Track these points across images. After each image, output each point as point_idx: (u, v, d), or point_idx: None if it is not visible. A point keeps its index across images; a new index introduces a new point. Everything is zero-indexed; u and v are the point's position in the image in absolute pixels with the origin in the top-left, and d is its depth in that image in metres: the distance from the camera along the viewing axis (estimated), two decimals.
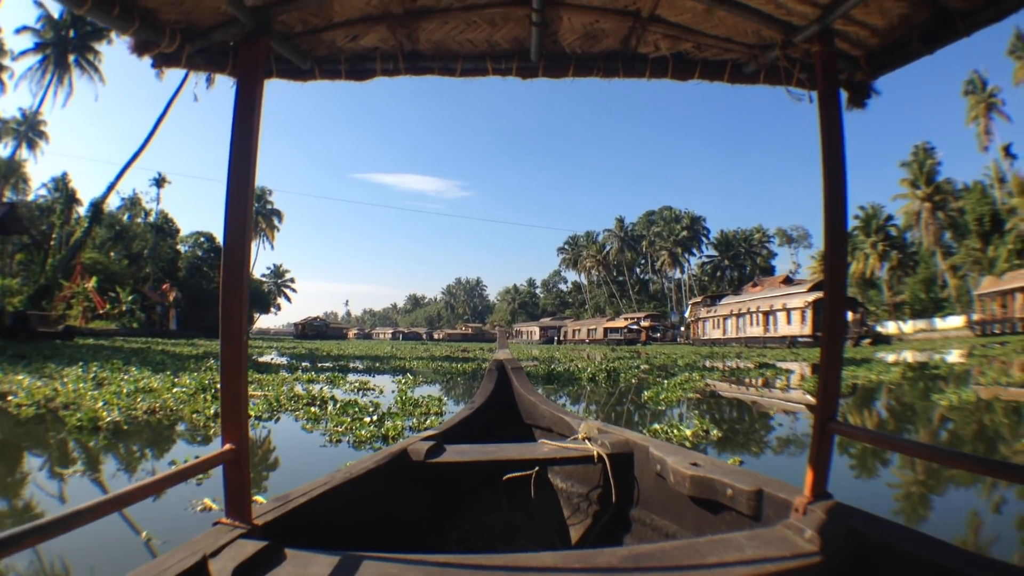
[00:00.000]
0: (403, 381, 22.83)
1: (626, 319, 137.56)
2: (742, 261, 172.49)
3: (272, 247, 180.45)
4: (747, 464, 6.21)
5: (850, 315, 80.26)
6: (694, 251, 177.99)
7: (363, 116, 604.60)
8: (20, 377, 19.21)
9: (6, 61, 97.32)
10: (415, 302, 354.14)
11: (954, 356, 45.03)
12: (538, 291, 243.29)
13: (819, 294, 75.38)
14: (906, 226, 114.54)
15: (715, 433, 11.36)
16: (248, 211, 3.12)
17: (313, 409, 13.88)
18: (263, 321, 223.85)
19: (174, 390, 16.54)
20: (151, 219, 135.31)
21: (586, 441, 5.10)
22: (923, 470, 9.46)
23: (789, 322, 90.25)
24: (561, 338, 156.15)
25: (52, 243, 78.93)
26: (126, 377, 20.23)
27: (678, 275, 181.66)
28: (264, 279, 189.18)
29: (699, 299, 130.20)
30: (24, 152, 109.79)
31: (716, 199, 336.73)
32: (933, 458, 3.25)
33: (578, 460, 4.98)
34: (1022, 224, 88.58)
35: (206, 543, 2.65)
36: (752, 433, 13.10)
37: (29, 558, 5.29)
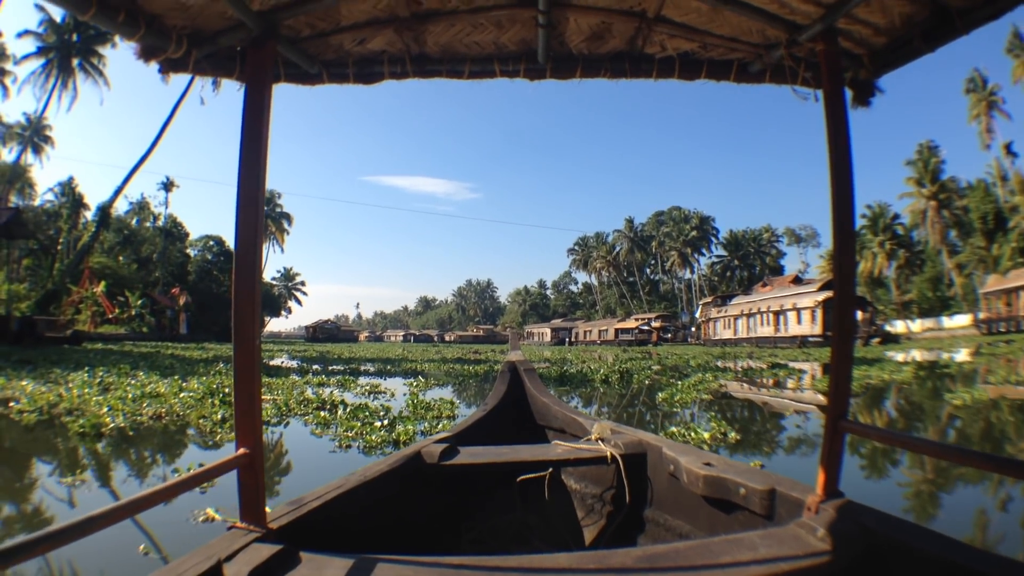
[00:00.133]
0: (414, 384, 22.68)
1: (637, 320, 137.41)
2: (751, 261, 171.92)
3: (282, 250, 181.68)
4: (768, 467, 6.19)
5: (859, 314, 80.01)
6: (704, 251, 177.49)
7: (372, 119, 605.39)
8: (24, 383, 19.08)
9: (8, 65, 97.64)
10: (426, 304, 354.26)
11: (962, 355, 45.10)
12: (549, 292, 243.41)
13: (829, 293, 75.59)
14: (912, 225, 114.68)
15: (732, 435, 11.26)
16: (259, 215, 3.14)
17: (323, 413, 13.70)
18: (274, 324, 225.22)
19: (181, 395, 16.35)
20: (160, 223, 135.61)
21: (599, 442, 5.10)
22: (932, 468, 9.49)
23: (799, 322, 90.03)
24: (572, 339, 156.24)
25: (59, 248, 78.94)
26: (133, 382, 20.08)
27: (688, 275, 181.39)
28: (274, 282, 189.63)
29: (709, 299, 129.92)
30: (30, 157, 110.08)
31: (725, 199, 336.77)
32: (942, 455, 3.31)
33: (591, 461, 4.97)
34: None
35: (221, 547, 2.65)
36: (769, 435, 13.00)
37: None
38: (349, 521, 3.57)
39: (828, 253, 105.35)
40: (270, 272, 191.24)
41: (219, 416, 12.93)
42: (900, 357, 44.28)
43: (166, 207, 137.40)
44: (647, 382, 24.56)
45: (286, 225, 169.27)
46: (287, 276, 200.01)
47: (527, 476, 5.02)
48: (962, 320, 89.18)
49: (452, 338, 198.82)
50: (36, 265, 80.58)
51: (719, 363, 39.70)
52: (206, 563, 2.47)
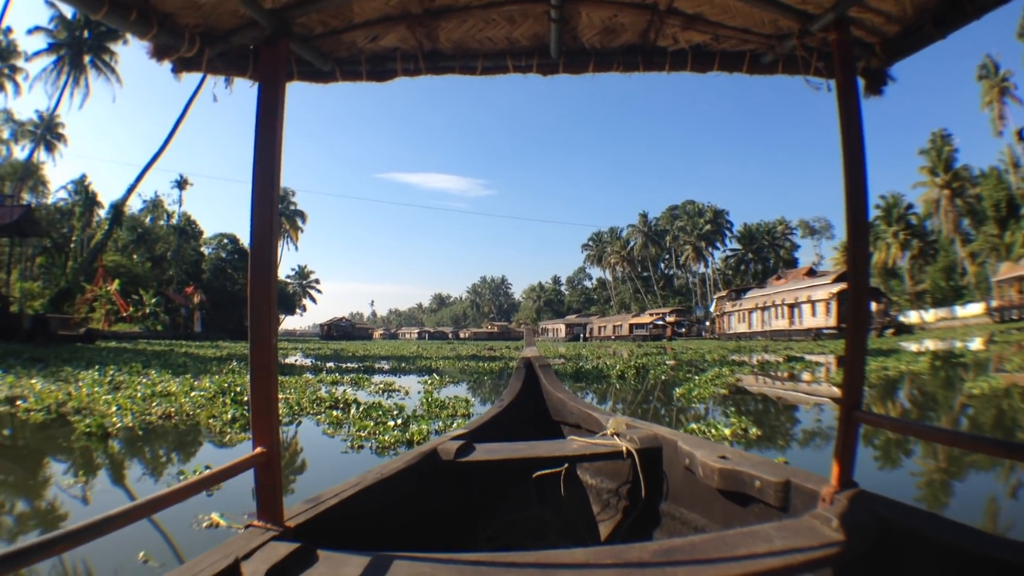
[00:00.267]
0: (429, 382, 22.54)
1: (651, 315, 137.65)
2: (765, 254, 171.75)
3: (296, 248, 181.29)
4: (791, 463, 6.18)
5: (874, 305, 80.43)
6: (718, 245, 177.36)
7: (385, 116, 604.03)
8: (33, 381, 19.06)
9: (20, 62, 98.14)
10: (440, 301, 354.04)
11: (976, 344, 45.40)
12: (563, 288, 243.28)
13: (843, 285, 75.34)
14: (926, 214, 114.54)
15: (754, 431, 11.14)
16: (274, 214, 3.15)
17: (335, 413, 13.53)
18: (288, 322, 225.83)
19: (192, 394, 16.15)
20: (174, 221, 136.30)
21: (615, 437, 5.12)
22: (945, 457, 9.55)
23: (814, 314, 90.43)
24: (587, 335, 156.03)
25: (72, 246, 79.05)
26: (144, 381, 19.94)
27: (702, 269, 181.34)
28: (289, 280, 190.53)
29: (724, 293, 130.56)
30: (42, 155, 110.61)
31: (738, 192, 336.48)
32: (954, 443, 3.51)
33: (607, 456, 5.00)
34: None
35: (238, 545, 2.67)
36: (790, 429, 12.91)
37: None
38: (366, 519, 3.57)
39: (842, 245, 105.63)
40: (284, 270, 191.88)
41: (229, 416, 12.72)
42: (914, 347, 44.45)
43: (180, 205, 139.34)
44: (663, 377, 24.45)
45: (300, 223, 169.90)
46: (301, 274, 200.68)
47: (543, 472, 5.06)
48: (975, 309, 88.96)
49: (467, 335, 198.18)
50: (49, 263, 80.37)
51: (734, 357, 39.64)
52: (224, 561, 2.49)
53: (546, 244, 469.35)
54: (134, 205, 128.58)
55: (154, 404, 14.32)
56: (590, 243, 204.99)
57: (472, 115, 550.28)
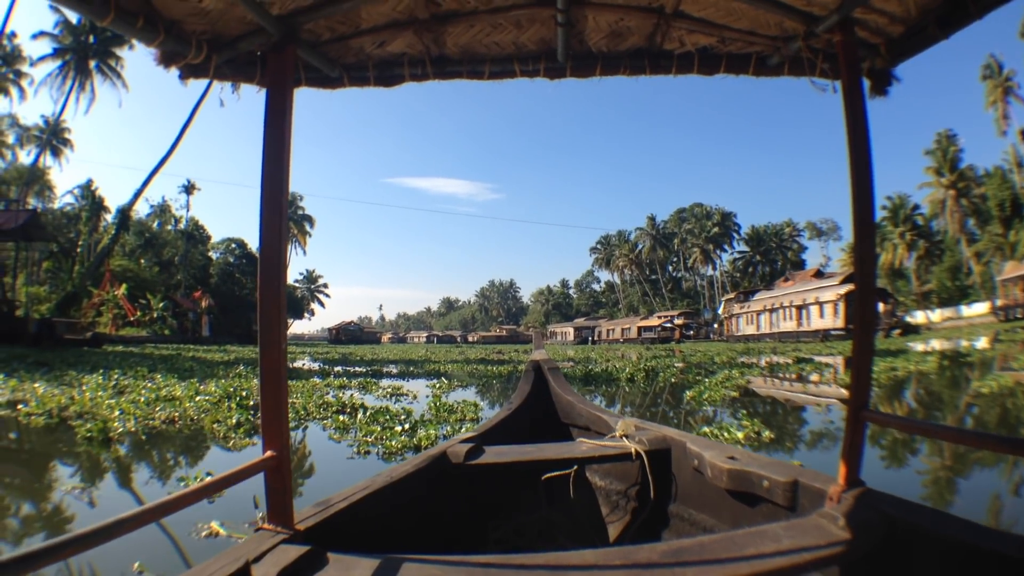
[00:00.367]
0: (437, 386, 22.33)
1: (660, 317, 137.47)
2: (773, 256, 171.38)
3: (304, 253, 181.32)
4: (807, 466, 6.15)
5: (881, 306, 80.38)
6: (725, 247, 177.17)
7: (392, 121, 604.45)
8: (36, 385, 18.95)
9: (24, 67, 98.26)
10: (449, 305, 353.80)
11: (982, 343, 45.55)
12: (571, 291, 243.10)
13: (851, 286, 74.96)
14: (932, 214, 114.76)
15: (767, 434, 11.07)
16: (283, 220, 3.16)
17: (342, 417, 13.35)
18: (297, 327, 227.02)
19: (197, 398, 16.02)
20: (181, 226, 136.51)
21: (624, 438, 5.13)
22: (950, 455, 9.62)
23: (822, 315, 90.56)
24: (595, 338, 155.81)
25: (79, 250, 79.22)
26: (149, 385, 19.83)
27: (710, 272, 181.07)
28: (297, 285, 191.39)
29: (732, 295, 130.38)
30: (48, 159, 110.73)
31: (746, 194, 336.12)
32: (959, 440, 3.71)
33: (616, 457, 5.01)
34: None
35: (249, 549, 2.69)
36: (803, 432, 12.80)
37: None
38: (376, 522, 3.61)
39: (849, 246, 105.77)
40: (293, 274, 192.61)
41: (234, 420, 12.59)
42: (921, 347, 44.57)
43: (187, 210, 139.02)
44: (673, 380, 24.38)
45: (308, 227, 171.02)
46: (310, 278, 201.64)
47: (552, 474, 5.08)
48: (980, 308, 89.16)
49: (475, 339, 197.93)
50: (56, 268, 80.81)
51: (743, 359, 39.54)
52: (234, 564, 2.51)
53: (554, 247, 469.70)
54: (141, 210, 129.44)
55: (158, 409, 14.19)
56: (598, 246, 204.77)
57: (479, 119, 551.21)
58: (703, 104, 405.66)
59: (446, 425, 12.24)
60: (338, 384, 22.03)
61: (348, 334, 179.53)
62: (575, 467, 5.04)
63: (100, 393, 16.99)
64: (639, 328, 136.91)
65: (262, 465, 3.00)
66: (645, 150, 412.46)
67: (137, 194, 79.04)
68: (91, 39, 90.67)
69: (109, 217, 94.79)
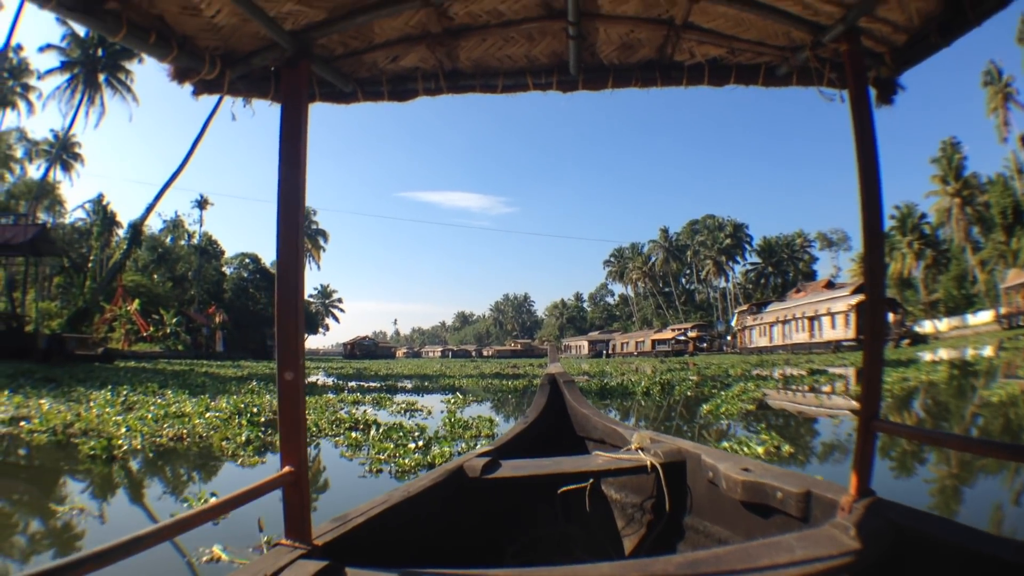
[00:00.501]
0: (452, 400, 22.13)
1: (673, 330, 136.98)
2: (785, 267, 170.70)
3: (318, 267, 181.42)
4: (829, 479, 6.12)
5: (891, 316, 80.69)
6: (738, 259, 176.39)
7: (405, 135, 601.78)
8: (42, 401, 18.80)
9: (32, 81, 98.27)
10: (464, 319, 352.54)
11: (988, 351, 45.72)
12: (585, 305, 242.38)
13: (862, 296, 75.41)
14: (938, 223, 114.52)
15: (787, 448, 10.99)
16: (299, 236, 3.19)
17: (354, 434, 13.11)
18: (312, 342, 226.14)
19: (207, 415, 15.81)
20: (194, 241, 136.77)
21: (639, 451, 5.14)
22: (957, 463, 9.70)
23: (834, 326, 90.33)
24: (609, 351, 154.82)
25: (90, 265, 79.38)
26: (159, 401, 19.64)
27: (723, 284, 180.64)
28: (311, 300, 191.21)
29: (745, 307, 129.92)
30: (59, 174, 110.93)
31: (756, 206, 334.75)
32: (966, 448, 3.75)
33: (632, 470, 5.03)
34: None
35: (266, 565, 2.68)
36: (821, 445, 12.70)
37: None
38: (393, 536, 3.60)
39: (859, 256, 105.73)
40: (307, 290, 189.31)
41: (243, 438, 12.45)
42: (928, 357, 44.53)
43: (200, 225, 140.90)
44: (689, 393, 24.30)
45: (322, 242, 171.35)
46: (324, 293, 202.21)
47: (569, 487, 5.11)
48: (985, 317, 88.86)
49: (490, 353, 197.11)
50: (67, 283, 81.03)
51: (757, 371, 39.45)
52: None
53: (568, 261, 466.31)
54: (154, 225, 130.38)
55: (166, 426, 14.06)
56: (612, 259, 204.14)
57: (492, 133, 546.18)
58: (713, 115, 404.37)
59: (461, 442, 12.11)
60: (352, 400, 21.86)
61: (363, 349, 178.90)
62: (591, 480, 5.07)
63: (107, 410, 16.88)
64: (653, 341, 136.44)
65: (280, 481, 3.01)
66: (657, 161, 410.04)
67: (149, 208, 79.35)
68: (100, 52, 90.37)
69: (121, 232, 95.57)
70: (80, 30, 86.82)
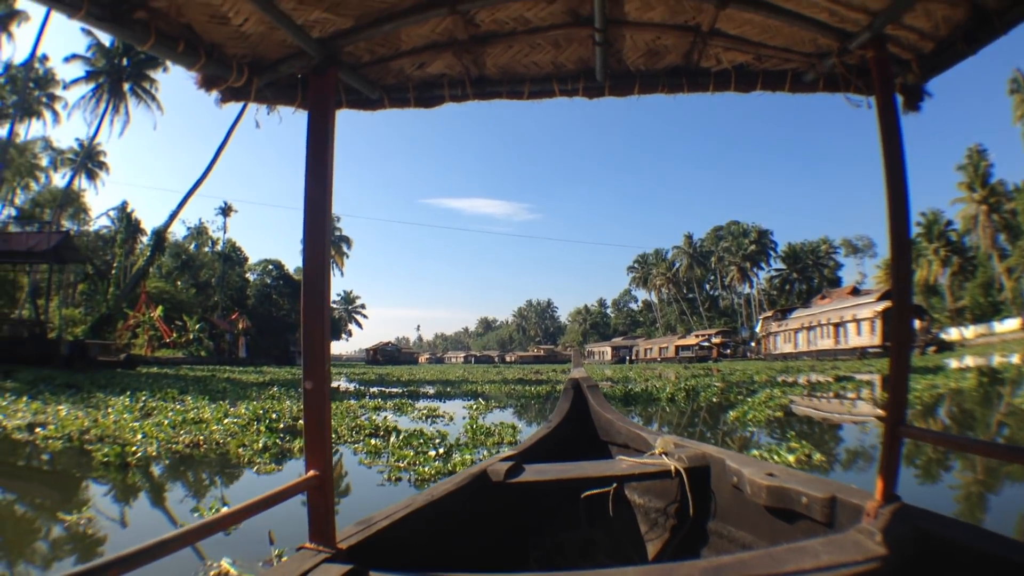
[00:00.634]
0: (474, 407, 22.36)
1: (697, 336, 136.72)
2: (810, 273, 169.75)
3: (342, 274, 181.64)
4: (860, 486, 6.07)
5: (917, 323, 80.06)
6: (762, 265, 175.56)
7: (429, 142, 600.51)
8: (60, 407, 18.92)
9: (58, 91, 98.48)
10: (487, 325, 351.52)
11: (1016, 359, 45.56)
12: (609, 311, 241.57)
13: (888, 303, 75.37)
14: (965, 230, 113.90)
15: (817, 457, 10.88)
16: (326, 242, 3.21)
17: (374, 441, 13.08)
18: (335, 348, 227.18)
19: (225, 421, 16.00)
20: (218, 248, 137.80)
21: (663, 456, 5.13)
22: (983, 470, 9.72)
23: (859, 333, 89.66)
24: (633, 357, 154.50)
25: (114, 272, 79.75)
26: (177, 407, 19.76)
27: (747, 290, 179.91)
28: (335, 306, 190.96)
29: (770, 313, 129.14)
30: (83, 182, 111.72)
31: (780, 211, 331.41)
32: (991, 454, 3.82)
33: (656, 475, 5.02)
34: None
35: (291, 568, 2.73)
36: (852, 453, 12.60)
37: None
38: (417, 540, 3.63)
39: (884, 262, 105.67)
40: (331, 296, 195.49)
41: (260, 444, 12.49)
42: (955, 364, 44.47)
43: (224, 232, 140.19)
44: (714, 399, 24.18)
45: (345, 249, 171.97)
46: (347, 299, 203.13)
47: (592, 492, 5.19)
48: (1012, 324, 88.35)
49: (513, 359, 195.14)
50: (92, 290, 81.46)
51: (782, 378, 39.21)
52: None
53: (592, 267, 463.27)
54: (178, 232, 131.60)
55: (182, 432, 14.05)
56: (635, 265, 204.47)
57: (516, 139, 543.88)
58: (736, 118, 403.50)
59: (483, 449, 12.08)
60: (373, 406, 21.84)
61: (385, 354, 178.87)
62: (615, 485, 5.15)
63: (125, 416, 16.91)
64: (676, 347, 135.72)
65: (305, 484, 3.03)
66: (682, 165, 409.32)
67: (173, 216, 79.60)
68: (124, 61, 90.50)
69: (145, 239, 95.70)
70: (105, 40, 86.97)
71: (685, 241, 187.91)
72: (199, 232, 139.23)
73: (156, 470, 10.96)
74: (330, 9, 3.17)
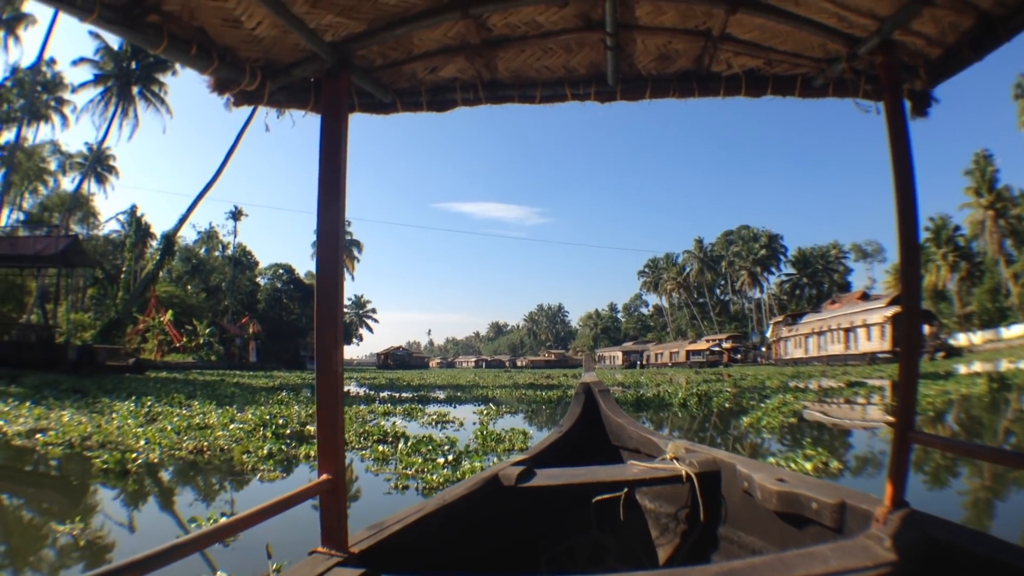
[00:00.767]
0: (484, 412, 22.40)
1: (708, 341, 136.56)
2: (820, 278, 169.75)
3: (352, 278, 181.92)
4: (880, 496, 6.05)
5: (927, 328, 79.92)
6: (772, 270, 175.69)
7: (440, 146, 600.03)
8: (63, 413, 18.75)
9: (66, 95, 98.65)
10: (497, 330, 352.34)
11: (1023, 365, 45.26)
12: (619, 315, 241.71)
13: (897, 308, 74.77)
14: (972, 235, 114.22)
15: (835, 464, 10.88)
16: (339, 246, 3.25)
17: (382, 448, 12.96)
18: (345, 352, 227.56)
19: (231, 426, 15.91)
20: (228, 252, 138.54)
21: (674, 461, 5.13)
22: (990, 476, 9.79)
23: (869, 338, 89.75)
24: (644, 362, 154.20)
25: (123, 276, 79.90)
26: (184, 412, 19.65)
27: (758, 295, 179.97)
28: (345, 310, 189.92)
29: (780, 318, 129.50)
30: (93, 186, 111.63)
31: (790, 215, 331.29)
32: (998, 460, 3.83)
33: (666, 480, 5.03)
34: None
35: (303, 572, 2.76)
36: (871, 459, 12.57)
37: None
38: (428, 544, 3.64)
39: (894, 267, 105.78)
40: None
41: (265, 451, 12.38)
42: (964, 369, 44.67)
43: (235, 236, 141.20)
44: (727, 405, 24.22)
45: (356, 253, 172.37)
46: (358, 304, 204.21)
47: (603, 497, 5.15)
48: (1019, 330, 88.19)
49: (524, 363, 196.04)
50: (101, 294, 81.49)
51: (794, 383, 39.35)
52: None
53: (602, 271, 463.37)
54: (188, 236, 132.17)
55: (186, 438, 13.95)
56: (646, 270, 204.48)
57: (527, 143, 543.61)
58: (747, 122, 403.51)
59: (492, 456, 12.02)
60: (382, 411, 21.75)
61: (396, 359, 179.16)
62: (625, 490, 5.08)
63: (129, 421, 16.84)
64: (687, 352, 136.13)
65: (318, 488, 3.04)
66: (693, 170, 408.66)
67: (182, 220, 79.83)
68: (133, 65, 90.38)
69: (155, 243, 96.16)
70: (114, 43, 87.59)
71: (696, 245, 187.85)
72: (209, 236, 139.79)
73: (157, 477, 10.92)
74: (343, 13, 3.18)
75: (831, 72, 3.81)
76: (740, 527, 4.66)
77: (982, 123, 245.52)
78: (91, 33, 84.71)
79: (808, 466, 10.40)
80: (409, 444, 13.24)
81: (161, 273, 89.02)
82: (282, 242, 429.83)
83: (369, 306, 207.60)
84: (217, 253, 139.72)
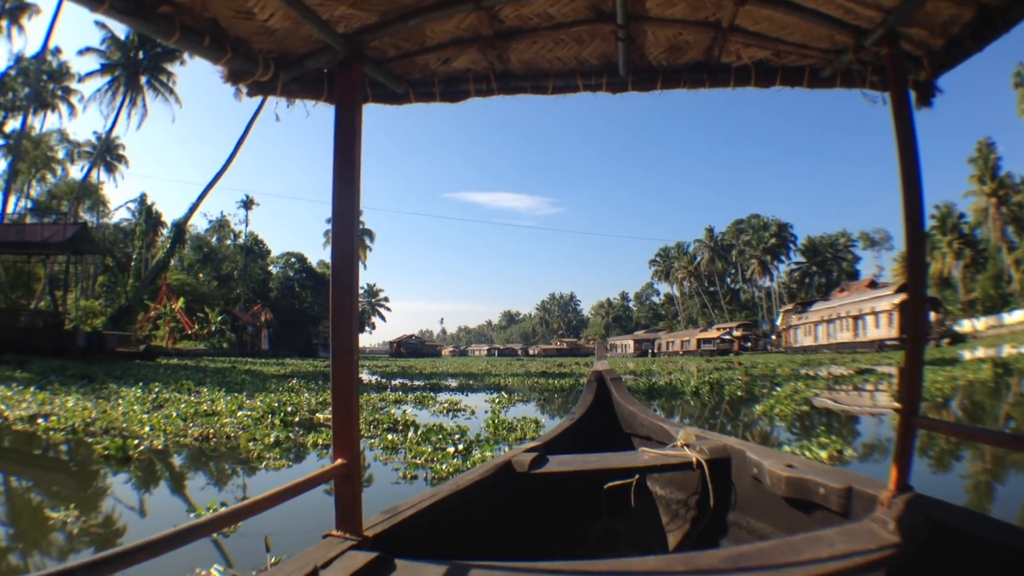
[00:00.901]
0: (496, 400, 22.34)
1: (719, 329, 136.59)
2: (829, 266, 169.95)
3: (365, 267, 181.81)
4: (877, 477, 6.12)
5: (932, 315, 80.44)
6: (782, 258, 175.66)
7: (452, 136, 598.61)
8: (68, 398, 18.74)
9: (73, 84, 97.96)
10: (510, 318, 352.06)
11: None
12: (631, 304, 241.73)
13: (905, 296, 75.12)
14: (976, 222, 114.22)
15: (849, 452, 10.86)
16: (353, 235, 3.28)
17: (391, 436, 12.81)
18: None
19: (239, 413, 15.80)
20: (240, 240, 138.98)
21: (685, 448, 5.17)
22: (992, 460, 9.89)
23: (877, 326, 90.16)
24: (655, 350, 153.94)
25: (133, 264, 79.95)
26: (191, 399, 19.59)
27: (767, 283, 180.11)
28: (359, 299, 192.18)
29: (790, 306, 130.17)
30: (102, 175, 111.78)
31: (799, 205, 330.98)
32: (1000, 443, 3.94)
33: (677, 467, 5.07)
34: None
35: (317, 555, 2.76)
36: (883, 446, 12.40)
37: None
38: (442, 528, 3.71)
39: (901, 255, 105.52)
40: None
41: (272, 439, 12.20)
42: (969, 355, 45.05)
43: (246, 225, 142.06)
44: (739, 393, 24.24)
45: (368, 242, 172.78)
46: (371, 292, 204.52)
47: (614, 483, 5.21)
48: (1020, 315, 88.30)
49: (536, 352, 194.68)
50: (111, 282, 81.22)
51: (804, 371, 39.34)
52: (303, 570, 2.58)
53: (614, 260, 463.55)
54: (200, 225, 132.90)
55: (192, 425, 13.88)
56: (657, 259, 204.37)
57: (539, 134, 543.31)
58: (755, 112, 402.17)
59: (504, 444, 11.95)
60: (394, 399, 21.69)
61: (409, 347, 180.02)
62: (637, 476, 5.17)
63: (135, 407, 16.81)
64: (698, 340, 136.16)
65: (332, 473, 3.09)
66: (701, 159, 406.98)
67: (193, 208, 79.66)
68: (141, 55, 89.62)
69: (165, 231, 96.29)
70: (120, 33, 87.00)
71: (706, 235, 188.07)
72: (221, 225, 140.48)
73: (159, 464, 10.85)
74: (355, 5, 3.20)
75: (838, 63, 3.82)
76: (749, 513, 4.71)
77: (984, 111, 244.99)
78: (97, 23, 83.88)
79: (823, 454, 10.39)
80: (419, 433, 13.16)
81: (172, 261, 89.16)
82: (293, 231, 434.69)
83: (382, 295, 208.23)
84: (229, 242, 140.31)
